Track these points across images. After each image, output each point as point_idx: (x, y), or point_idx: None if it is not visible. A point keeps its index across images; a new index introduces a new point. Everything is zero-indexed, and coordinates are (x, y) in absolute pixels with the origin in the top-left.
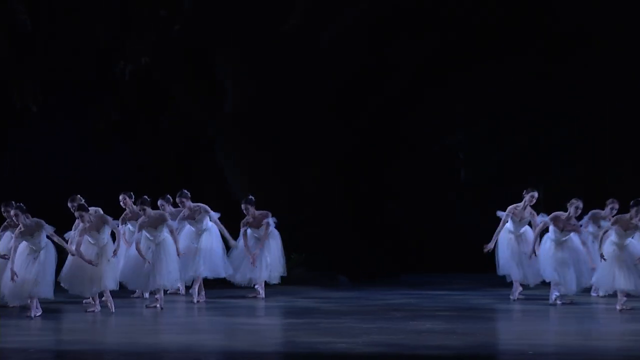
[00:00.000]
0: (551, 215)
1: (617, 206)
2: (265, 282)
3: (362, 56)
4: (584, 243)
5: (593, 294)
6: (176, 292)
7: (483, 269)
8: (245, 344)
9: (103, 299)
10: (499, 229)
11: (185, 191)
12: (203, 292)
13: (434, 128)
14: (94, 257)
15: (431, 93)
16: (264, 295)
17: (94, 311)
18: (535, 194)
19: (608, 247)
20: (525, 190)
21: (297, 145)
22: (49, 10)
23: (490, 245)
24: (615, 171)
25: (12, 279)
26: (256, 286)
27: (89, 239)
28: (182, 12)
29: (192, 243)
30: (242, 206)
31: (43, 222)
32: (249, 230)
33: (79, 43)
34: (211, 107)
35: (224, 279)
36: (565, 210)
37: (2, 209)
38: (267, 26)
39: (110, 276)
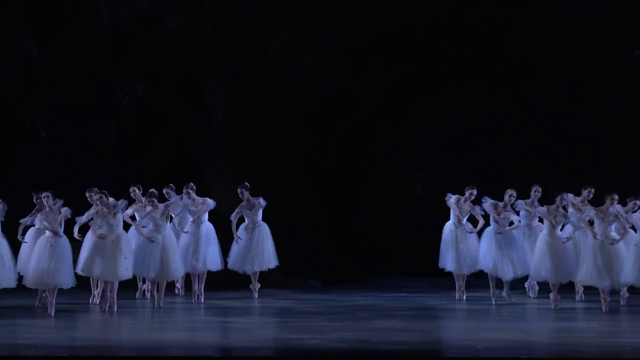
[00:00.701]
0: (490, 202)
1: (540, 189)
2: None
3: (336, 82)
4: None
5: (530, 294)
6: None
7: (440, 273)
8: (228, 340)
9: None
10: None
11: (192, 184)
12: (202, 287)
13: (401, 146)
14: (109, 245)
15: (398, 115)
16: (257, 294)
17: (96, 303)
18: (474, 192)
19: (541, 238)
20: (467, 187)
21: (276, 161)
22: (55, 45)
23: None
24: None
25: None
26: (251, 285)
27: (104, 224)
28: (174, 45)
29: (192, 237)
30: (238, 190)
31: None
32: (245, 222)
33: (83, 73)
34: (200, 127)
35: (217, 279)
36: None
37: (34, 197)
38: (250, 56)
39: (123, 266)
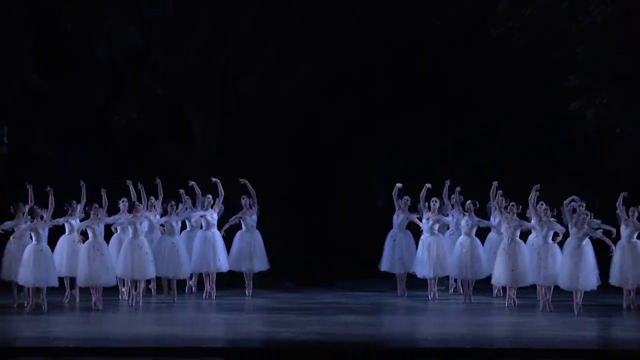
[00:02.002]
0: (422, 205)
1: (459, 193)
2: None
3: (308, 108)
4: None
5: (450, 291)
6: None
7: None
8: (211, 334)
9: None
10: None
11: (210, 196)
12: (214, 285)
13: (365, 164)
14: (136, 248)
15: (364, 137)
16: (251, 291)
17: (126, 300)
18: (409, 199)
19: (458, 241)
20: (403, 196)
21: (254, 177)
22: (59, 76)
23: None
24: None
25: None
26: (245, 284)
27: (130, 228)
28: (161, 77)
29: (209, 241)
30: (242, 198)
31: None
32: (243, 227)
33: (83, 100)
34: (186, 150)
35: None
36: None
37: (65, 204)
38: (230, 87)
39: (150, 267)
